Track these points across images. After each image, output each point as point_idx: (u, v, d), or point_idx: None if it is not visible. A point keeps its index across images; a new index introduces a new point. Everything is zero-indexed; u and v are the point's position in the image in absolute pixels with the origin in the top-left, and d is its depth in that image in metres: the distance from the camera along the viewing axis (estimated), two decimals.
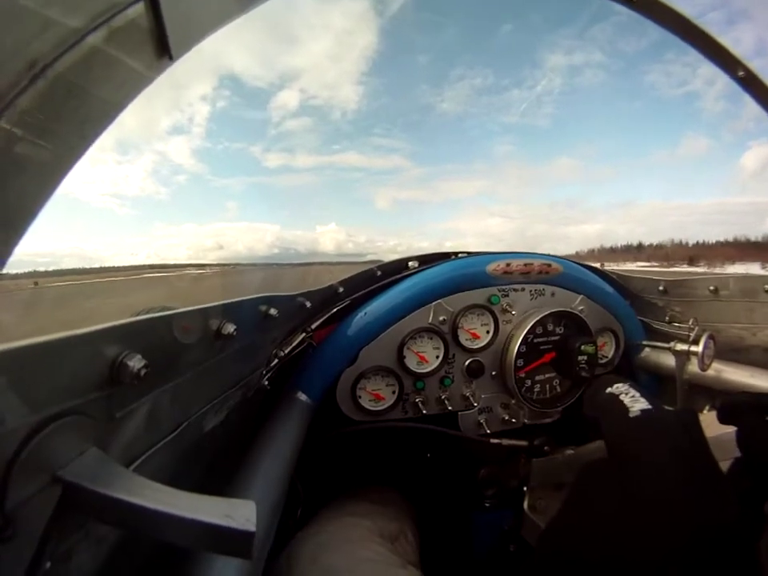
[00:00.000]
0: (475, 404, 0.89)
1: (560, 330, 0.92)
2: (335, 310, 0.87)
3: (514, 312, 0.89)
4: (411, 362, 0.85)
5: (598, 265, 1.12)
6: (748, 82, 0.70)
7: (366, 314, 0.84)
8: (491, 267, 0.89)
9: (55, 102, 0.21)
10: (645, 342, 1.01)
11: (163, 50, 0.26)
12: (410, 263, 0.97)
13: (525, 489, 0.80)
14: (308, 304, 0.73)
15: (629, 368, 1.02)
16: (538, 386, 0.92)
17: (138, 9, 0.24)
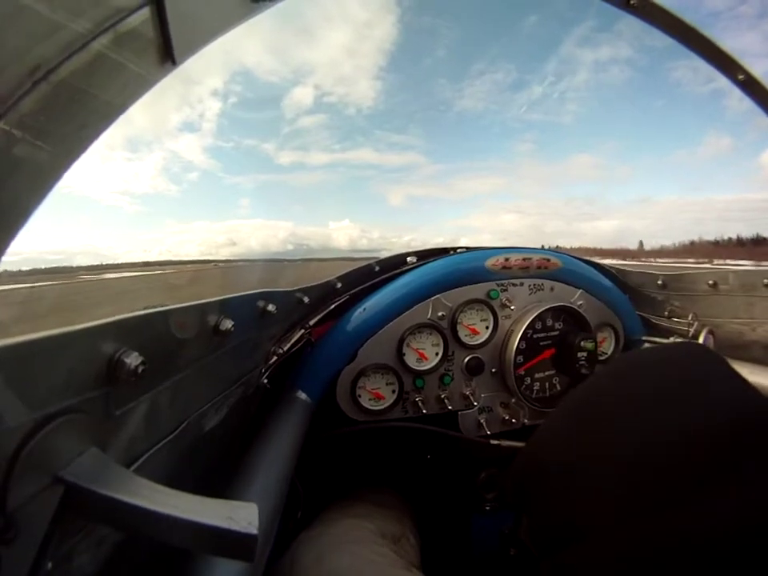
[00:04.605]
0: (475, 403, 0.89)
1: (559, 325, 0.92)
2: (333, 306, 0.86)
3: (513, 307, 0.89)
4: (411, 359, 0.84)
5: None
6: (748, 85, 0.71)
7: (364, 309, 0.84)
8: (490, 262, 0.88)
9: (56, 105, 0.21)
10: (644, 338, 1.00)
11: (166, 54, 0.26)
12: (409, 258, 0.97)
13: None
14: (306, 300, 0.73)
15: None
16: (538, 384, 0.92)
17: (143, 14, 0.24)
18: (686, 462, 0.27)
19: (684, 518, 0.25)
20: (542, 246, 1.00)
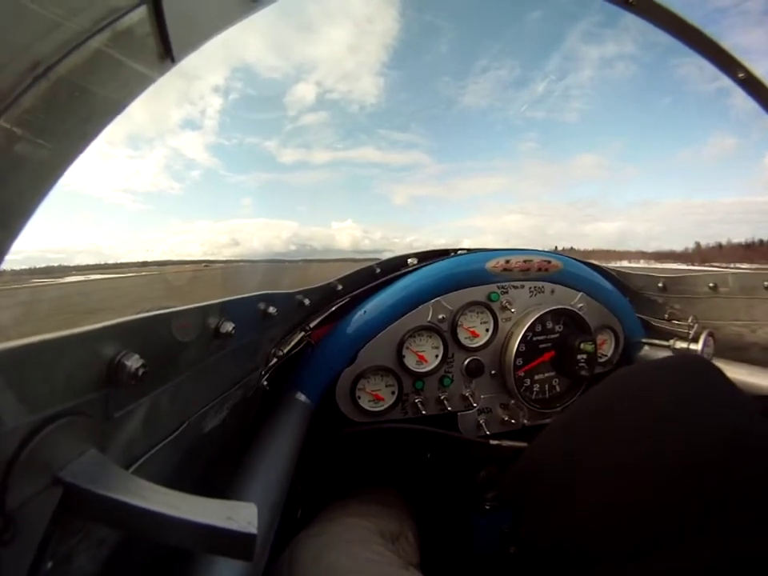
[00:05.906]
0: (475, 404, 0.89)
1: (559, 328, 0.92)
2: (334, 308, 0.86)
3: (513, 310, 0.89)
4: (410, 362, 0.84)
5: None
6: (748, 83, 0.71)
7: (364, 312, 0.84)
8: (491, 264, 0.89)
9: (56, 103, 0.21)
10: (644, 340, 1.00)
11: (165, 52, 0.26)
12: (410, 260, 0.97)
13: None
14: (307, 302, 0.73)
15: None
16: (537, 385, 0.92)
17: (141, 12, 0.24)
18: (682, 496, 0.26)
19: (680, 557, 0.25)
20: (555, 248, 1.00)
